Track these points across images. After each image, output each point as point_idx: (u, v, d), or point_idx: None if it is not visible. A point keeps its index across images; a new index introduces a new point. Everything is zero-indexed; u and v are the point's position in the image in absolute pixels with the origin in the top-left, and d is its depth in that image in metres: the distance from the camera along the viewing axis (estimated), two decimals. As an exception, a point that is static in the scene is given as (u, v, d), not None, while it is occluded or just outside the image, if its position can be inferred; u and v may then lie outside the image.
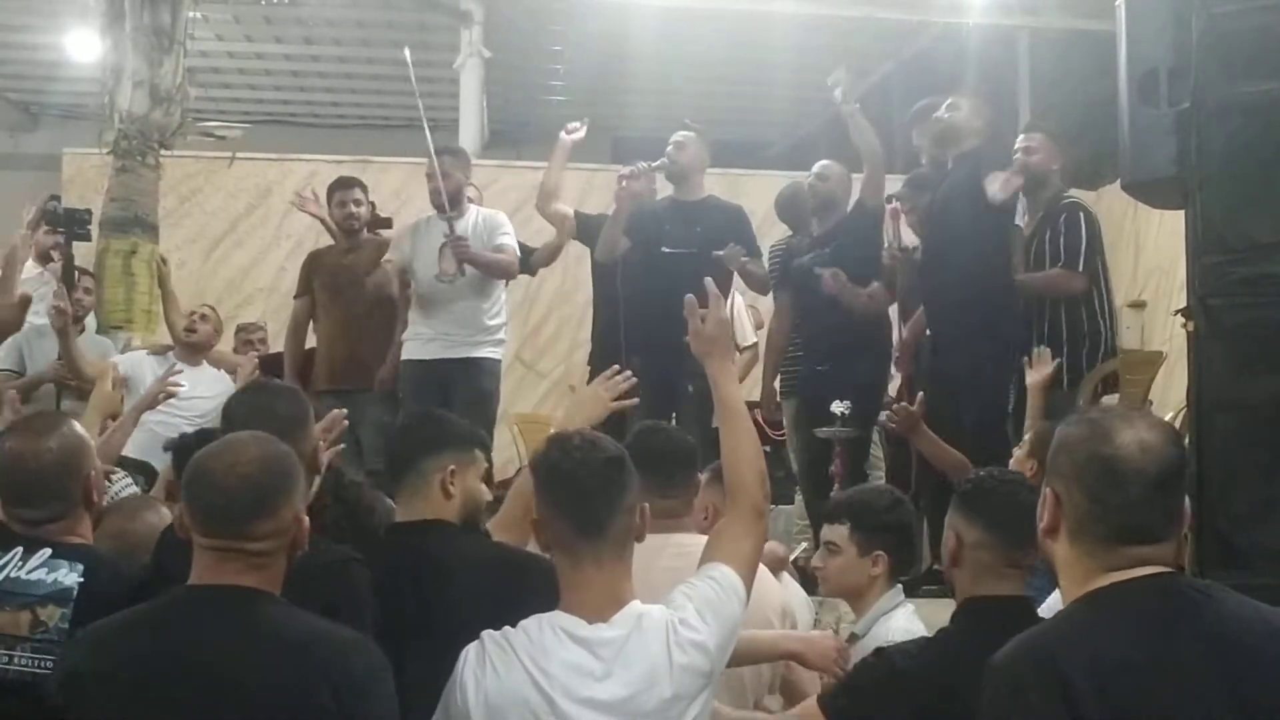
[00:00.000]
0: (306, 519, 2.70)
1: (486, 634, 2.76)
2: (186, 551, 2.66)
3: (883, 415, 6.13)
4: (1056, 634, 2.31)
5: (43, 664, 2.95)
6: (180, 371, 6.28)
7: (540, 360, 9.90)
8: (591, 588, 2.75)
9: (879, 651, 3.15)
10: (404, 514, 3.45)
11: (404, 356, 6.98)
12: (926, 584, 5.72)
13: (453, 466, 3.39)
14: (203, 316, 7.31)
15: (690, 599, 2.83)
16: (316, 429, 3.42)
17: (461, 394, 6.66)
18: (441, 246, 6.82)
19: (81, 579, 3.06)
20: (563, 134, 7.23)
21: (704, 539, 3.75)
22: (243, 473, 2.60)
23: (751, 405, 6.98)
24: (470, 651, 2.74)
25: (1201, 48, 4.31)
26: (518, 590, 3.02)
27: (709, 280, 3.31)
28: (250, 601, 2.57)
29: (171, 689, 2.46)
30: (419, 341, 6.94)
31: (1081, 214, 6.55)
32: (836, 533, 3.87)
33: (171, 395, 5.67)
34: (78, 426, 3.38)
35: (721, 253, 6.59)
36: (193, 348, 7.12)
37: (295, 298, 7.72)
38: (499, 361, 7.10)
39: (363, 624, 2.82)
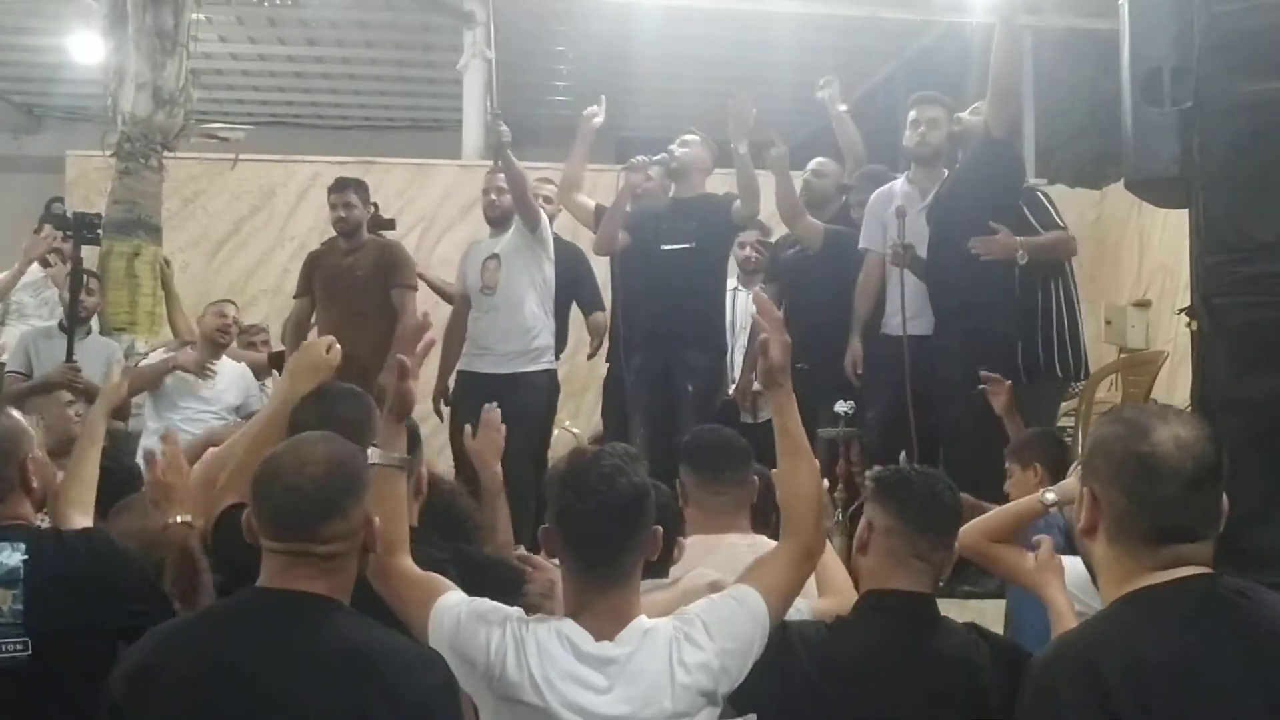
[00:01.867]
0: (378, 520, 2.67)
1: (518, 618, 2.76)
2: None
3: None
4: (1095, 636, 2.30)
5: (7, 648, 2.94)
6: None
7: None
8: (596, 609, 2.75)
9: (781, 625, 3.03)
10: None
11: (458, 367, 7.06)
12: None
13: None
14: (235, 320, 7.55)
15: (701, 616, 2.81)
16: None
17: (507, 410, 6.73)
18: (485, 260, 7.02)
19: (25, 558, 3.03)
20: (583, 121, 7.26)
21: (754, 537, 3.76)
22: (312, 474, 2.56)
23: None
24: (512, 625, 2.74)
25: (1204, 47, 4.31)
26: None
27: (764, 302, 3.24)
28: (319, 610, 2.53)
29: (233, 695, 2.43)
30: (471, 355, 7.04)
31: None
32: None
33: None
34: (15, 414, 3.33)
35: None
36: (221, 347, 7.26)
37: (295, 297, 7.74)
38: (544, 374, 7.10)
39: None
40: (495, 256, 7.09)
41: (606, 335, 7.40)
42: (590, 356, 7.71)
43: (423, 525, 3.40)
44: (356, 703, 2.43)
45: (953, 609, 3.62)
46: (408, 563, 2.92)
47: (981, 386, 5.72)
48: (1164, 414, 2.39)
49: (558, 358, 7.33)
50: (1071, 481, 4.33)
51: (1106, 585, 2.37)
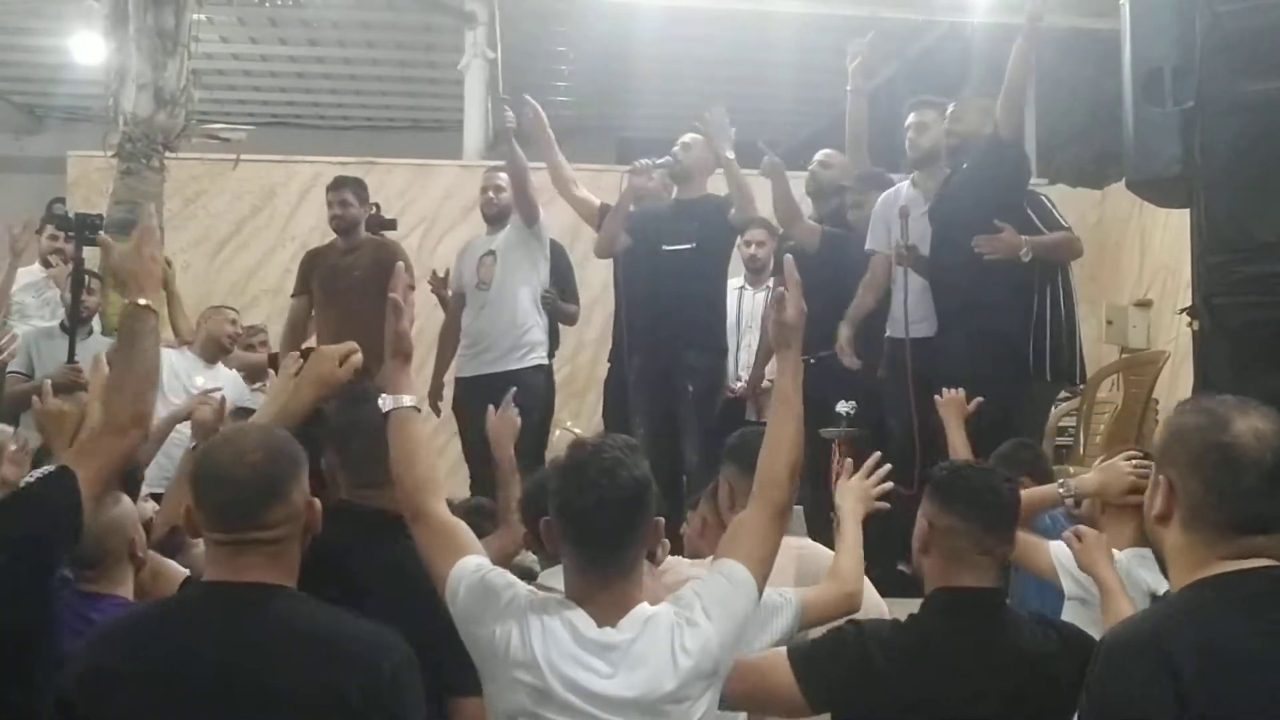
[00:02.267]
0: (318, 502, 2.71)
1: (528, 594, 2.77)
2: None
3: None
4: (1168, 619, 2.34)
5: None
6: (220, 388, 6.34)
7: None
8: (598, 599, 2.75)
9: (854, 625, 3.11)
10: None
11: (457, 373, 7.08)
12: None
13: None
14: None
15: (700, 596, 2.82)
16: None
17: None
18: (481, 256, 7.10)
19: None
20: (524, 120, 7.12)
21: (803, 540, 3.78)
22: (250, 461, 2.60)
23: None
24: (520, 604, 2.75)
25: (1206, 47, 4.32)
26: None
27: (789, 263, 3.30)
28: (270, 598, 2.57)
29: (193, 688, 2.45)
30: (467, 355, 7.08)
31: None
32: None
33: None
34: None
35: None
36: (226, 352, 7.27)
37: (293, 296, 7.78)
38: (539, 370, 7.15)
39: None
40: (491, 253, 7.13)
41: (611, 335, 7.40)
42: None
43: None
44: (326, 683, 2.46)
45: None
46: (441, 506, 2.95)
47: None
48: (1242, 406, 2.43)
49: (551, 356, 7.34)
50: (1088, 476, 4.37)
51: (1178, 572, 2.40)
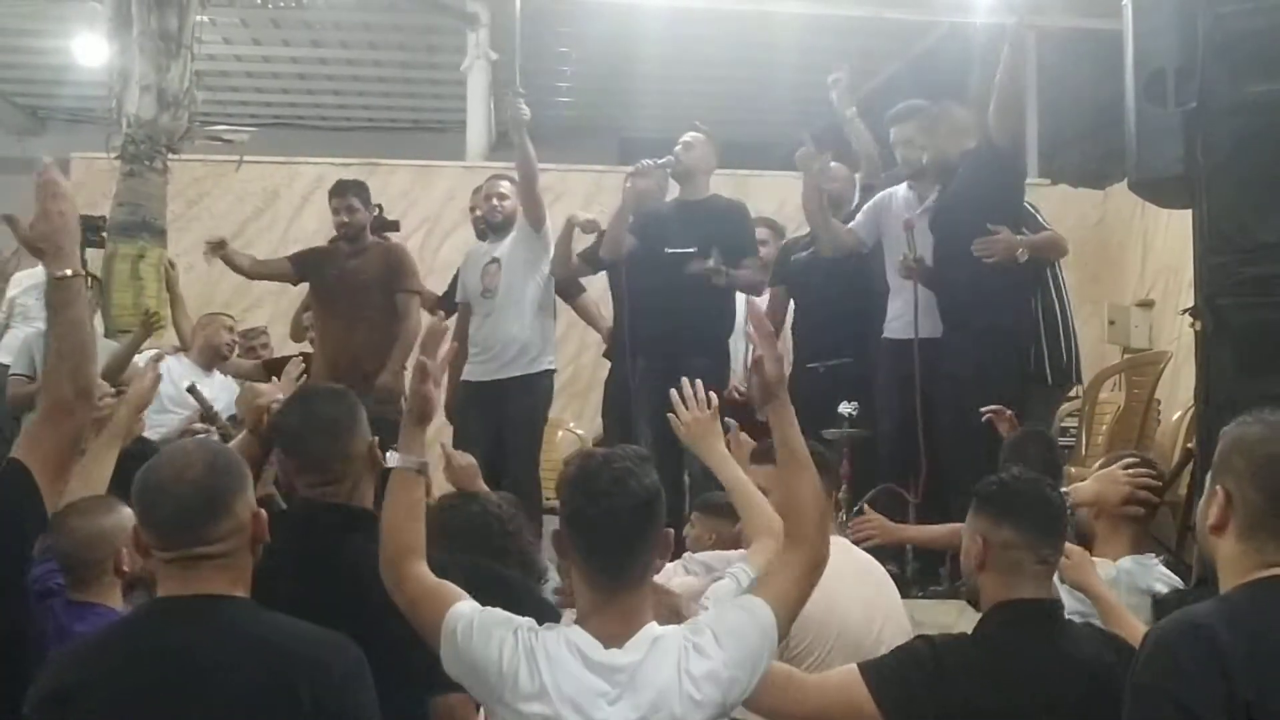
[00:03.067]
0: (264, 513, 2.71)
1: (529, 628, 2.75)
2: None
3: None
4: (1218, 612, 2.38)
5: None
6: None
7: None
8: (605, 616, 2.73)
9: (926, 639, 3.14)
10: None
11: (462, 378, 7.07)
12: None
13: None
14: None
15: (711, 625, 2.80)
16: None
17: (510, 413, 6.77)
18: (485, 264, 7.14)
19: None
20: (574, 221, 7.25)
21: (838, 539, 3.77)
22: (191, 478, 2.59)
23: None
24: (523, 635, 2.73)
25: (1208, 48, 4.32)
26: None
27: (760, 317, 3.24)
28: (221, 608, 2.57)
29: (151, 702, 2.46)
30: (472, 362, 7.08)
31: None
32: None
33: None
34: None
35: (692, 268, 6.60)
36: (224, 360, 7.28)
37: (286, 257, 7.89)
38: (545, 375, 7.19)
39: None
40: (496, 260, 7.14)
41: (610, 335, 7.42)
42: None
43: (447, 538, 3.42)
44: (281, 690, 2.46)
45: (958, 610, 3.63)
46: (421, 569, 2.92)
47: (986, 417, 5.70)
48: None
49: None
50: (1084, 485, 4.36)
51: (1229, 579, 2.46)
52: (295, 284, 7.96)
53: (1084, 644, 3.10)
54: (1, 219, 3.52)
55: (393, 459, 2.98)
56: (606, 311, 7.59)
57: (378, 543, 2.93)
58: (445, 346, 3.11)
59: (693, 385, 6.11)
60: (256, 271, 7.84)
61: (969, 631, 3.18)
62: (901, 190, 6.78)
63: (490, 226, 7.40)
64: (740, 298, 7.10)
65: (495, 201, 7.31)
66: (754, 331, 3.14)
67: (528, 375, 7.03)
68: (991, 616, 3.15)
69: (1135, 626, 3.39)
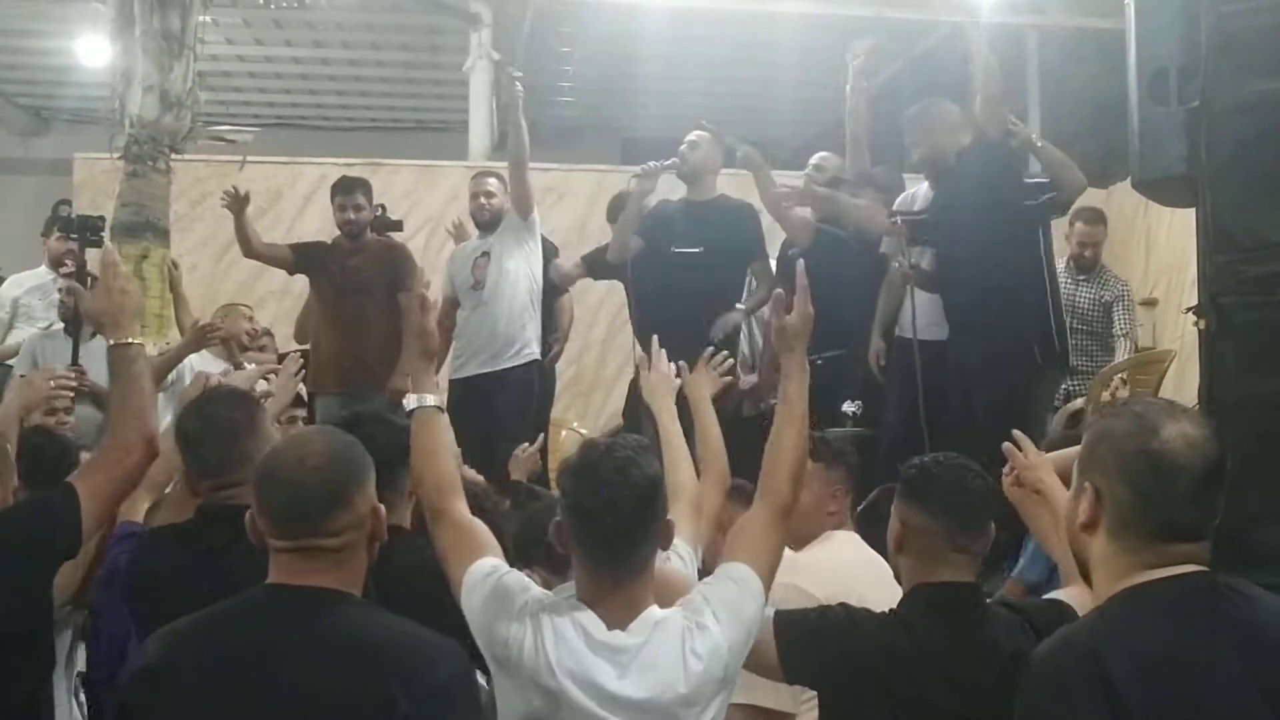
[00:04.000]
0: (384, 509, 2.65)
1: (539, 599, 2.77)
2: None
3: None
4: (1096, 629, 2.30)
5: None
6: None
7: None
8: (608, 601, 2.75)
9: (845, 607, 3.12)
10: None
11: (449, 375, 7.08)
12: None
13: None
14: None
15: (709, 601, 2.82)
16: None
17: (500, 407, 6.77)
18: (475, 258, 7.16)
19: None
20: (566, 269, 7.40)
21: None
22: (312, 465, 2.54)
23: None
24: (531, 608, 2.75)
25: (1211, 46, 4.32)
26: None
27: (800, 270, 3.31)
28: (330, 603, 2.51)
29: (247, 693, 2.41)
30: (461, 358, 7.10)
31: None
32: None
33: None
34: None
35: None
36: (241, 349, 7.31)
37: (289, 245, 7.93)
38: (533, 365, 7.23)
39: None
40: (486, 254, 7.14)
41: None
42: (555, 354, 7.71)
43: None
44: (378, 694, 2.40)
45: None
46: (459, 507, 2.96)
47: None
48: (1171, 410, 2.38)
49: (545, 345, 7.41)
50: (1069, 451, 4.37)
51: (1103, 580, 2.36)
52: (292, 273, 7.97)
53: (1001, 630, 3.07)
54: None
55: (410, 401, 3.02)
56: (606, 314, 7.61)
57: None
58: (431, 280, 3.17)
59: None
60: (260, 250, 7.79)
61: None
62: (924, 189, 6.80)
63: (478, 224, 7.42)
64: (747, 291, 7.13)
65: (483, 200, 7.34)
66: (799, 281, 3.31)
67: (515, 367, 7.06)
68: (908, 598, 3.15)
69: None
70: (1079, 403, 7.31)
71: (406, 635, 2.52)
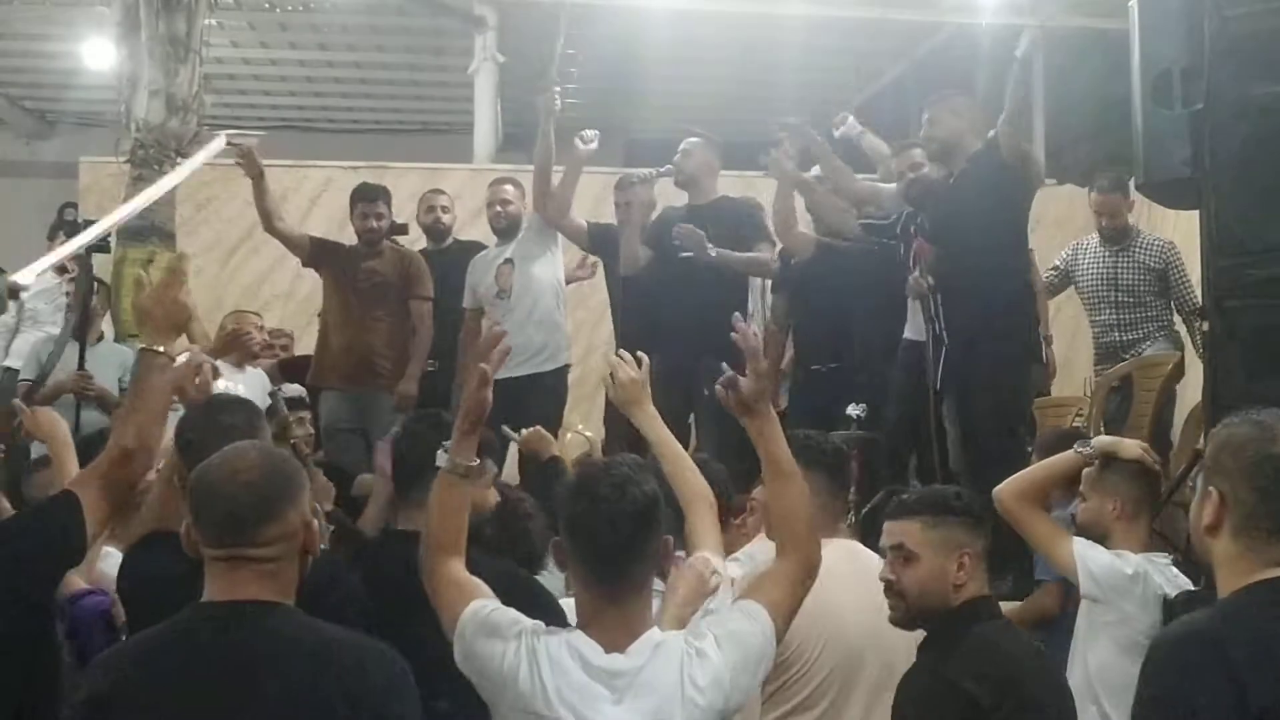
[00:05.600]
0: (316, 523, 2.71)
1: (533, 630, 2.76)
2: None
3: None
4: (1221, 619, 2.42)
5: None
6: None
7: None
8: (606, 622, 2.74)
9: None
10: (403, 521, 3.50)
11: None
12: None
13: None
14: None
15: (712, 629, 2.81)
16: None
17: (526, 412, 6.77)
18: (499, 266, 7.15)
19: None
20: (579, 144, 7.20)
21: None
22: (245, 479, 2.59)
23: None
24: (526, 637, 2.74)
25: (1214, 50, 4.32)
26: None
27: (742, 332, 3.23)
28: (264, 615, 2.56)
29: (189, 709, 2.47)
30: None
31: None
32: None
33: None
34: None
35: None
36: (251, 356, 7.32)
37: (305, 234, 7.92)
38: (562, 371, 7.33)
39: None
40: (509, 261, 7.15)
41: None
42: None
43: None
44: (312, 698, 2.46)
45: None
46: (453, 567, 2.95)
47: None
48: None
49: None
50: (1108, 439, 4.42)
51: (1226, 578, 2.49)
52: (305, 264, 7.97)
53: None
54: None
55: (440, 459, 3.01)
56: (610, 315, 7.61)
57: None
58: (500, 351, 3.09)
59: (706, 387, 6.13)
60: (280, 229, 7.79)
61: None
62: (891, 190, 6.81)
63: (496, 231, 7.45)
64: (754, 291, 7.12)
65: (499, 207, 7.39)
66: (739, 343, 3.13)
67: (544, 372, 7.08)
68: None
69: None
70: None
71: (343, 641, 2.59)
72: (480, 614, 2.81)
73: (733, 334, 3.14)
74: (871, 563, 3.88)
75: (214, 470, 2.64)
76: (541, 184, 7.15)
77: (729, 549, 3.66)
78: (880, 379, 6.67)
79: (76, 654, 3.79)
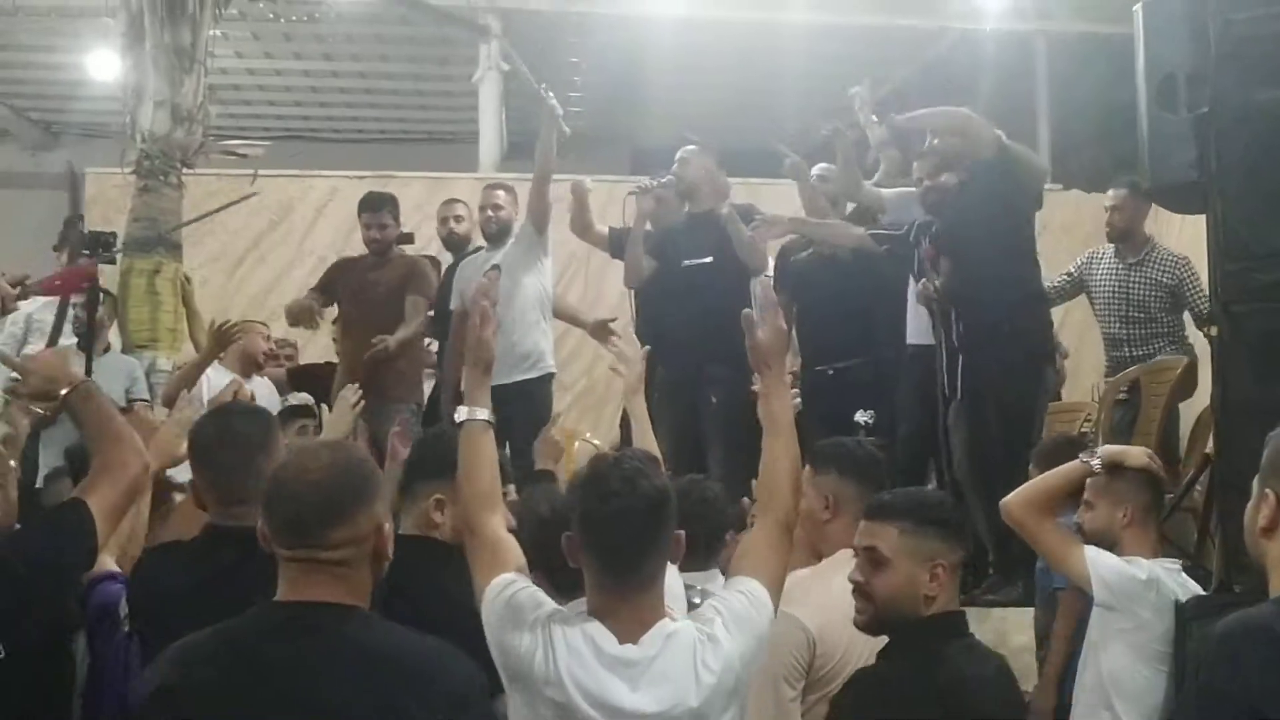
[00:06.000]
0: (390, 527, 2.65)
1: (550, 614, 2.78)
2: None
3: None
4: (1272, 613, 2.45)
5: None
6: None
7: (563, 372, 9.89)
8: (619, 614, 2.75)
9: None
10: (403, 527, 3.52)
11: (461, 387, 7.07)
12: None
13: (439, 496, 3.49)
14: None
15: (720, 613, 2.83)
16: None
17: (517, 419, 6.77)
18: (487, 271, 6.99)
19: None
20: (579, 187, 7.32)
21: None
22: (314, 479, 2.55)
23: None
24: (543, 622, 2.76)
25: (1219, 54, 4.32)
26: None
27: (767, 287, 3.28)
28: (336, 617, 2.52)
29: (259, 708, 2.43)
30: None
31: None
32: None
33: None
34: None
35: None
36: (257, 367, 7.31)
37: (311, 289, 7.83)
38: (548, 378, 7.27)
39: None
40: (496, 266, 7.11)
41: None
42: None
43: None
44: (388, 705, 2.42)
45: (974, 618, 3.62)
46: (493, 522, 2.98)
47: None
48: None
49: None
50: (1113, 447, 4.42)
51: None
52: (330, 304, 7.84)
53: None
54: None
55: (460, 413, 3.04)
56: (619, 326, 7.60)
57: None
58: (495, 292, 3.15)
59: (712, 394, 6.13)
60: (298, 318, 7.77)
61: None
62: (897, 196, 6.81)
63: (487, 236, 7.43)
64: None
65: (491, 212, 7.36)
66: (760, 298, 3.18)
67: (529, 380, 7.05)
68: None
69: None
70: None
71: (417, 646, 2.54)
72: (505, 594, 2.83)
73: (747, 312, 3.18)
74: None
75: (286, 469, 2.63)
76: (540, 195, 7.14)
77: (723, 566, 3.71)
78: (889, 381, 6.66)
79: (87, 637, 3.81)
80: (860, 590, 3.27)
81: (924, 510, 3.32)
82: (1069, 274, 7.74)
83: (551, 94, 7.11)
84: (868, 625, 3.29)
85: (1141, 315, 7.43)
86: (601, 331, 7.69)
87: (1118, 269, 7.48)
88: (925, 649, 3.15)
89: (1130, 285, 7.45)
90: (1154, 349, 7.38)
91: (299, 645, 2.48)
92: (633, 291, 7.16)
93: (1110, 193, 7.53)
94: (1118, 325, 7.47)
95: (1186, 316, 7.42)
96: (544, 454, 4.79)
